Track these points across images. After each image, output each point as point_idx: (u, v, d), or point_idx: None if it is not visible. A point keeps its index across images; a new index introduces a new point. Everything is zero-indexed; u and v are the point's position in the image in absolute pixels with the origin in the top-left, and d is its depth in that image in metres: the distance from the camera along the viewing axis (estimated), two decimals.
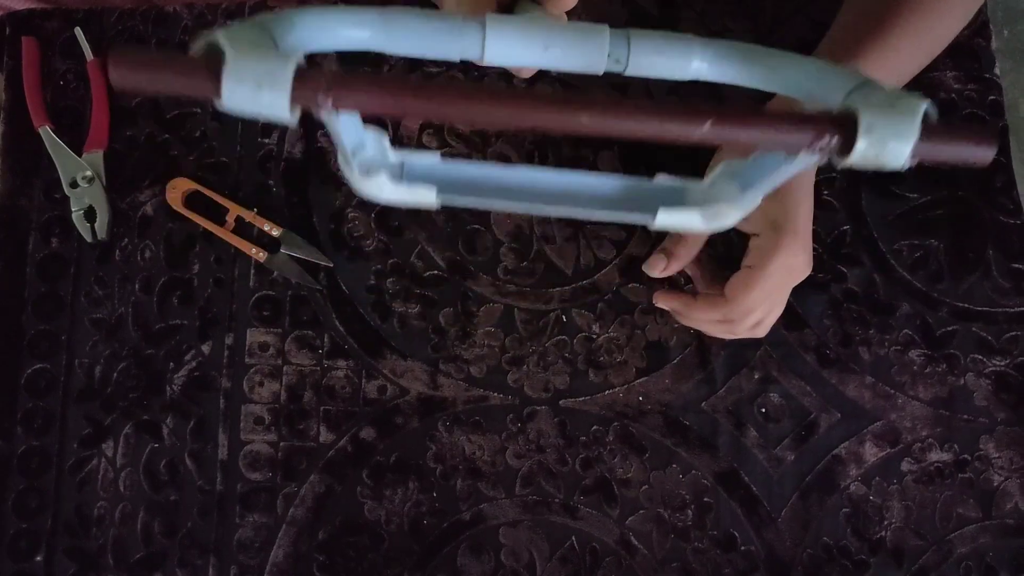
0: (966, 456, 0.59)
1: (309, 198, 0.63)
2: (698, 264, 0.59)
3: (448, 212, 0.63)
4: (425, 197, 0.44)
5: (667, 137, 0.33)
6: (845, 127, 0.33)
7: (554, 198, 0.47)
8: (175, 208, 0.62)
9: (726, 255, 0.60)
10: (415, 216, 0.63)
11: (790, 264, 0.54)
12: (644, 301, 0.61)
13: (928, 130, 0.32)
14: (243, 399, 0.61)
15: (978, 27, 0.62)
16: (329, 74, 0.33)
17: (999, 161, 0.61)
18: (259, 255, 0.62)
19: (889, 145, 0.32)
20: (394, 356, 0.61)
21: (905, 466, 0.59)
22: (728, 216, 0.42)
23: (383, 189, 0.44)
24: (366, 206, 0.63)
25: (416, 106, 0.33)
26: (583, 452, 0.60)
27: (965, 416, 0.59)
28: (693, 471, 0.60)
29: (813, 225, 0.60)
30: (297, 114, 0.32)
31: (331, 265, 0.62)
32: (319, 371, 0.61)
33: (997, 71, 0.62)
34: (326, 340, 0.62)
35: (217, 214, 0.63)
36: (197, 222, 0.62)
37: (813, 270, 0.60)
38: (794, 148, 0.34)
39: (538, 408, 0.61)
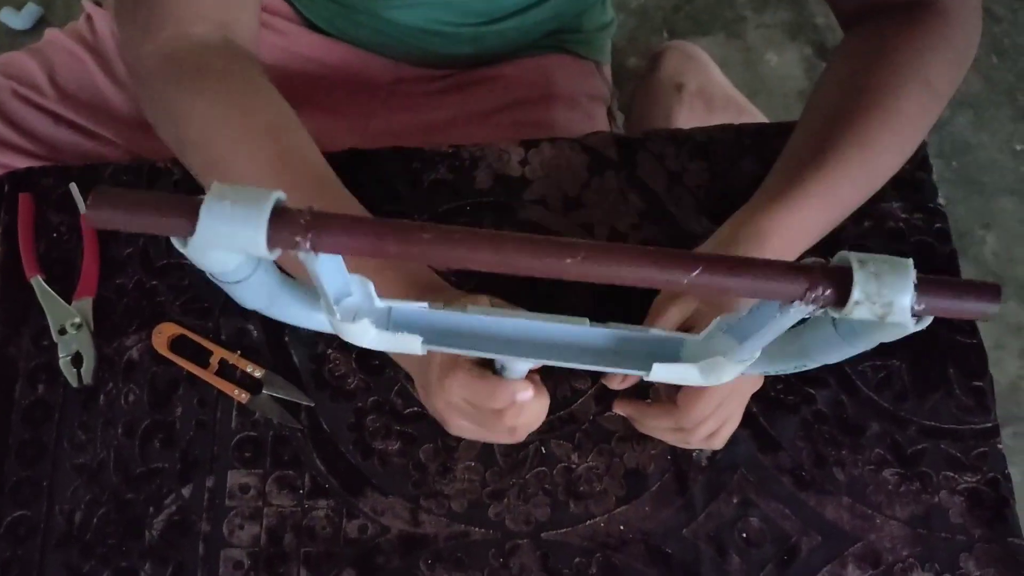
0: (947, 575, 0.59)
1: (288, 340, 0.65)
2: None
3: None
4: (410, 344, 0.43)
5: (654, 283, 0.32)
6: (839, 278, 0.31)
7: (544, 349, 0.46)
8: (160, 352, 0.64)
9: None
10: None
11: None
12: (621, 429, 0.63)
13: (924, 283, 0.31)
14: (222, 543, 0.61)
15: (919, 161, 0.67)
16: (308, 214, 0.31)
17: None
18: (241, 396, 0.63)
19: (885, 295, 0.31)
20: (375, 494, 0.62)
21: None
22: (726, 370, 0.41)
23: (367, 334, 0.43)
24: (347, 346, 0.65)
25: (398, 249, 0.32)
26: None
27: (943, 534, 0.60)
28: None
29: None
30: (276, 253, 0.31)
31: (312, 404, 0.63)
32: (299, 512, 0.61)
33: (941, 201, 0.66)
34: (307, 480, 0.62)
35: (201, 357, 0.64)
36: (181, 365, 0.64)
37: (782, 392, 0.62)
38: (785, 298, 0.32)
39: (520, 542, 0.61)
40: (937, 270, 0.65)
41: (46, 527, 0.61)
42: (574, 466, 0.62)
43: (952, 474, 0.61)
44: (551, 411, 0.63)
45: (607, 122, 0.89)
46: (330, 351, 0.65)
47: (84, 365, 0.63)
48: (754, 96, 1.08)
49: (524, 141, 0.70)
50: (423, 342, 0.43)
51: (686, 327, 0.58)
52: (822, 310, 0.32)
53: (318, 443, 0.63)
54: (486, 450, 0.62)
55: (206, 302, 0.66)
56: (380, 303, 0.44)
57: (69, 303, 0.65)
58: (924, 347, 0.63)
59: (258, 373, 0.64)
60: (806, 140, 0.61)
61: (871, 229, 0.66)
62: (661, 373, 0.43)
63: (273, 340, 0.65)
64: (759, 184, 0.62)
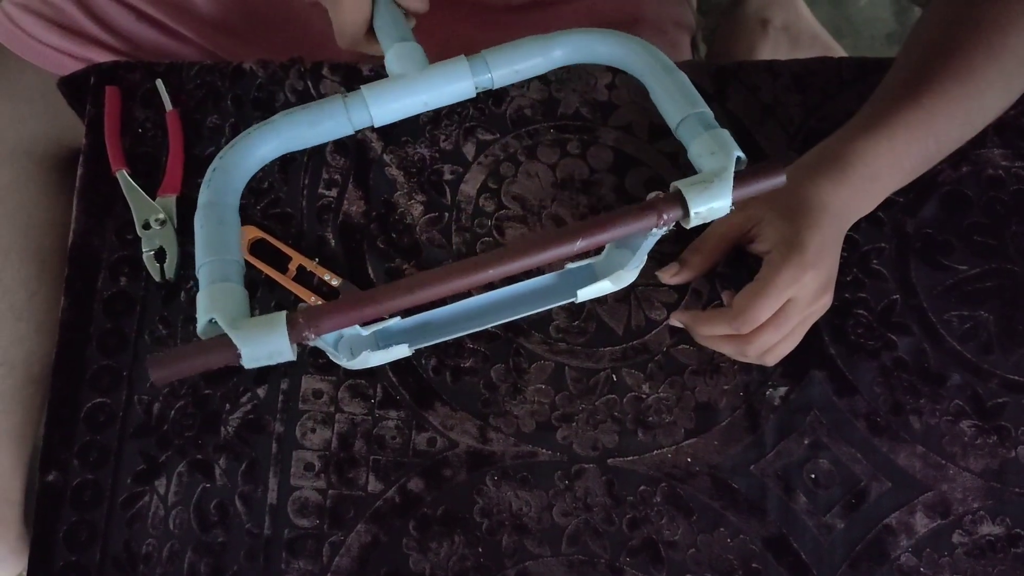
0: (1019, 530, 0.58)
1: (365, 252, 0.65)
2: (730, 291, 0.60)
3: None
4: (401, 352, 0.57)
5: (557, 259, 0.43)
6: (677, 206, 0.43)
7: (498, 312, 0.59)
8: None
9: None
10: None
11: (796, 280, 0.54)
12: (694, 362, 0.62)
13: (737, 181, 0.43)
14: (295, 444, 0.62)
15: None
16: (304, 314, 0.42)
17: None
18: (318, 303, 0.63)
19: (715, 207, 0.43)
20: (445, 409, 0.62)
21: (956, 538, 0.58)
22: (627, 276, 0.56)
23: (370, 360, 0.56)
24: (423, 264, 0.65)
25: (373, 311, 0.43)
26: (630, 512, 0.60)
27: (1017, 489, 0.59)
28: (741, 535, 0.59)
29: (862, 292, 0.62)
30: (295, 348, 0.42)
31: (387, 317, 0.63)
32: (370, 420, 0.62)
33: None
34: (379, 390, 0.63)
35: (280, 262, 0.64)
36: (261, 268, 0.64)
37: (863, 337, 0.61)
38: (646, 230, 0.44)
39: (586, 466, 0.61)
40: None
41: (125, 415, 0.62)
42: (644, 396, 0.62)
43: None
44: (625, 340, 0.63)
45: (691, 53, 0.87)
46: (405, 266, 0.65)
47: (167, 261, 0.64)
48: (840, 37, 1.04)
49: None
50: (408, 346, 0.56)
51: (749, 230, 0.58)
52: (672, 226, 0.45)
53: None
54: (557, 374, 0.62)
55: (287, 208, 0.66)
56: (365, 331, 0.57)
57: (153, 199, 0.65)
58: (1014, 300, 0.62)
59: (335, 282, 0.64)
60: (903, 72, 0.59)
61: (969, 174, 0.64)
62: (585, 292, 0.56)
63: (351, 251, 0.65)
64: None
